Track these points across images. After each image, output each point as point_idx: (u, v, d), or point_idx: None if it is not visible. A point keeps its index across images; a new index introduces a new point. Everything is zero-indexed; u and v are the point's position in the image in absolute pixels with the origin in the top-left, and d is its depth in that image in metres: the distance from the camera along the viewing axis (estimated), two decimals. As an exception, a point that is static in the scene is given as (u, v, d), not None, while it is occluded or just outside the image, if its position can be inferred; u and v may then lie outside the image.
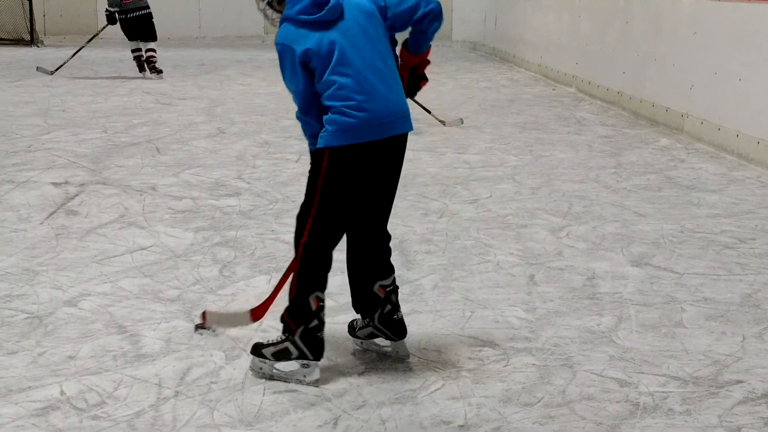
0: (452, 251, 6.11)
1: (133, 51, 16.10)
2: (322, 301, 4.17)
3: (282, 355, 4.14)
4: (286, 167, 8.67)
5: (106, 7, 15.90)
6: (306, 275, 4.16)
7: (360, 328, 4.49)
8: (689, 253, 6.11)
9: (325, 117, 4.07)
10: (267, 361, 4.16)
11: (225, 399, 3.97)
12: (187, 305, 5.08)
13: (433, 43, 4.46)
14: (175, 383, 4.11)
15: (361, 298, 4.42)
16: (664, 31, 11.38)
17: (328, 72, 3.98)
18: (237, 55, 19.77)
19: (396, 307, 4.36)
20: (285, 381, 4.11)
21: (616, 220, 6.91)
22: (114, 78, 15.76)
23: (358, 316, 4.51)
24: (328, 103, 4.03)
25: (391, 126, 4.17)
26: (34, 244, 6.15)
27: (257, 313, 4.20)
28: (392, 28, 4.22)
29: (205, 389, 4.06)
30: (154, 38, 15.93)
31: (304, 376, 4.11)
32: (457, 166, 8.80)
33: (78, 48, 16.52)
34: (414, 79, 4.52)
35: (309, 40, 3.97)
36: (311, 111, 4.16)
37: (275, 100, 13.07)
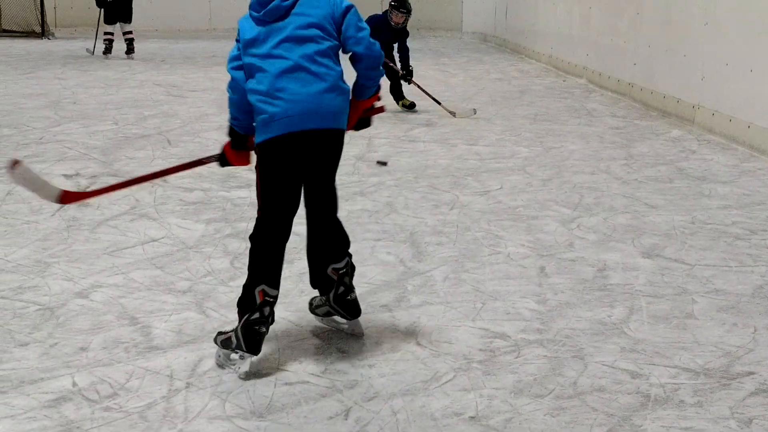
0: (463, 243, 6.11)
1: (106, 33, 16.97)
2: (269, 296, 4.22)
3: (225, 344, 4.23)
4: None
5: None
6: (252, 267, 4.26)
7: (317, 306, 4.69)
8: (700, 245, 6.10)
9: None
10: (216, 348, 4.29)
11: (236, 390, 3.97)
12: (199, 297, 5.09)
13: (381, 83, 4.54)
14: (187, 375, 4.12)
15: (316, 278, 4.57)
16: (675, 22, 11.35)
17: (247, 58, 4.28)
18: (247, 47, 19.78)
19: (349, 288, 4.51)
20: (221, 368, 4.19)
21: (627, 211, 6.90)
22: (125, 70, 15.76)
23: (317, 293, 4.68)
24: (254, 97, 4.23)
25: (302, 120, 4.19)
26: (45, 236, 6.16)
27: (67, 197, 4.47)
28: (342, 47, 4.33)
29: (216, 381, 4.06)
30: (131, 20, 17.46)
31: (237, 367, 4.16)
32: (468, 158, 8.80)
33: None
34: (363, 121, 4.70)
35: (253, 31, 4.31)
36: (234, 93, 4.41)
37: (286, 92, 13.06)
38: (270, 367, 4.21)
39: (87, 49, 17.51)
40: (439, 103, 11.43)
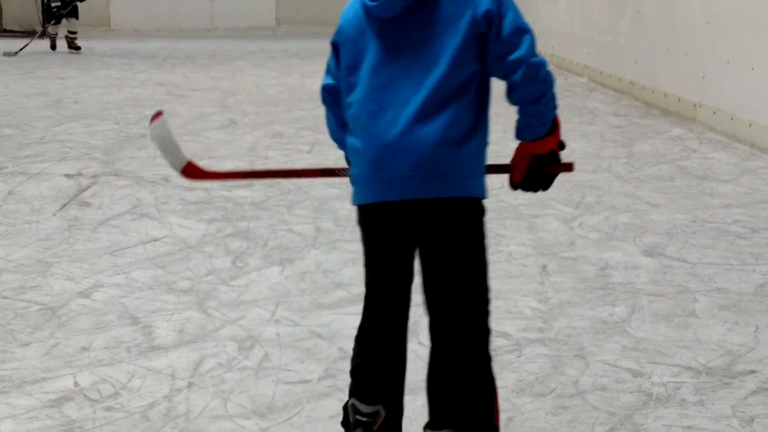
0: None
1: (53, 30, 17.69)
2: (361, 415, 3.16)
3: None
4: (298, 158, 8.67)
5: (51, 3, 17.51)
6: (351, 373, 3.32)
7: None
8: (702, 243, 6.10)
9: None
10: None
11: (238, 390, 3.97)
12: (200, 296, 5.09)
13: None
14: (189, 374, 4.12)
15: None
16: (676, 21, 11.34)
17: (345, 68, 3.03)
18: (249, 46, 19.76)
19: None
20: None
21: (629, 210, 6.90)
22: (126, 70, 15.76)
23: None
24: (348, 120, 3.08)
25: (383, 186, 2.95)
26: (47, 236, 6.16)
27: (192, 171, 3.41)
28: (491, 69, 2.97)
29: (218, 380, 4.06)
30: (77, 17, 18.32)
31: None
32: (470, 157, 8.80)
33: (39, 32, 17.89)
34: (532, 174, 3.30)
35: (350, 22, 3.02)
36: (327, 94, 3.21)
37: (287, 91, 13.07)
38: (271, 366, 4.21)
39: (5, 53, 17.94)
40: None
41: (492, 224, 6.45)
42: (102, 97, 12.60)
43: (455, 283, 3.12)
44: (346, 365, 4.20)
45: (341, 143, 3.19)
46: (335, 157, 8.62)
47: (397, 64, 2.87)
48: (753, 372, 4.18)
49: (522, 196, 7.11)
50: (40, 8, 21.87)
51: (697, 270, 5.58)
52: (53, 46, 18.38)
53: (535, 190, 3.28)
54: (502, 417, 3.73)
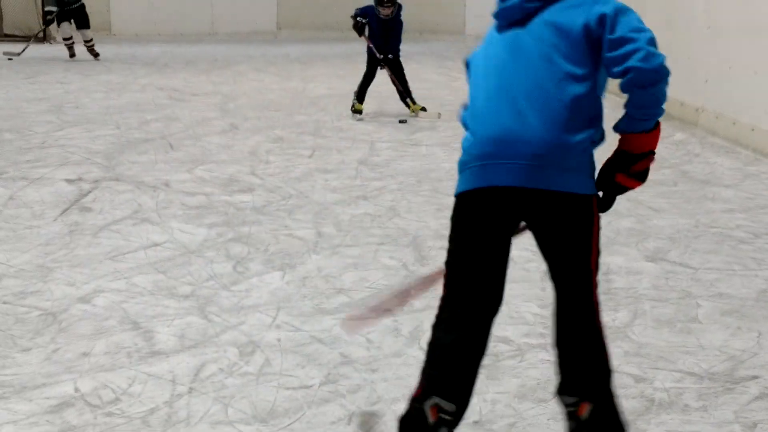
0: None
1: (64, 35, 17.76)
2: (445, 413, 3.09)
3: None
4: (299, 163, 8.66)
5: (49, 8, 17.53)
6: (424, 370, 3.25)
7: None
8: (704, 248, 6.08)
9: None
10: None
11: (239, 395, 3.96)
12: (201, 301, 5.08)
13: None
14: (189, 380, 4.11)
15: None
16: (677, 25, 11.34)
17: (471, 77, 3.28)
18: (250, 51, 19.77)
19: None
20: None
21: (631, 215, 6.88)
22: (127, 74, 15.77)
23: None
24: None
25: (490, 171, 3.10)
26: (47, 241, 6.15)
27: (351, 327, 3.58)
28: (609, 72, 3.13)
29: (219, 385, 4.05)
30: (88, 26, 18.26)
31: None
32: (471, 162, 8.78)
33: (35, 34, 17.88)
34: (608, 173, 3.31)
35: (483, 46, 3.29)
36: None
37: (288, 96, 13.07)
38: (272, 372, 4.20)
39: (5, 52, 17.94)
40: (404, 100, 11.37)
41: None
42: (103, 102, 12.60)
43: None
44: (348, 370, 4.20)
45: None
46: (336, 162, 8.63)
47: (517, 63, 3.08)
48: (756, 377, 4.17)
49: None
50: (41, 13, 21.88)
51: (700, 275, 5.57)
52: (72, 54, 18.33)
53: (618, 192, 3.39)
54: (503, 423, 3.73)
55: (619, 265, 5.72)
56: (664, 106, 3.09)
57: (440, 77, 15.27)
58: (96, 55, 18.21)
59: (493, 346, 4.47)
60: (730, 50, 9.78)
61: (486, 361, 4.27)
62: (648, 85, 3.01)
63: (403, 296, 4.03)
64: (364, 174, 8.20)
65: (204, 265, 5.70)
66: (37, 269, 5.59)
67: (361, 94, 11.35)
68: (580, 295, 3.21)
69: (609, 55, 3.01)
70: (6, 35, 22.90)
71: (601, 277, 3.31)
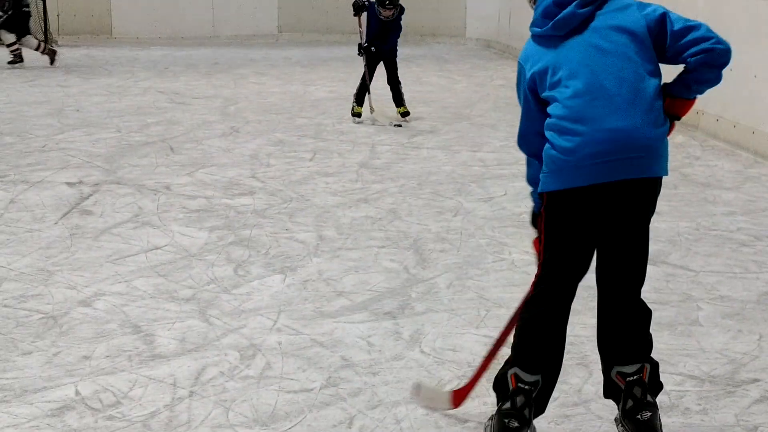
0: (467, 249, 6.09)
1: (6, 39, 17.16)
2: (523, 383, 3.51)
3: (486, 430, 3.68)
4: (300, 166, 8.66)
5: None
6: (513, 343, 3.62)
7: (616, 420, 3.64)
8: (705, 251, 6.08)
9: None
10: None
11: (240, 399, 3.96)
12: (202, 304, 5.08)
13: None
14: (190, 383, 4.11)
15: (606, 384, 3.66)
16: (678, 28, 11.33)
17: (545, 92, 3.45)
18: (251, 54, 19.74)
19: (640, 404, 3.47)
20: None
21: (632, 217, 6.88)
22: (128, 78, 15.76)
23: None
24: (546, 133, 3.44)
25: (610, 167, 3.35)
26: (48, 244, 6.15)
27: (458, 398, 3.80)
28: (672, 59, 3.49)
29: (220, 389, 4.05)
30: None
31: None
32: (472, 164, 8.78)
33: None
34: None
35: (543, 60, 3.46)
36: (525, 146, 3.64)
37: (289, 99, 13.06)
38: (273, 375, 4.20)
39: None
40: (368, 93, 11.29)
41: (494, 232, 6.45)
42: (104, 105, 12.59)
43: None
44: (348, 374, 4.20)
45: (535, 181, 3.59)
46: (337, 165, 8.64)
47: (602, 65, 3.38)
48: (756, 380, 4.17)
49: (524, 204, 7.07)
50: (42, 18, 21.89)
51: (701, 278, 5.57)
52: (16, 60, 17.80)
53: None
54: (505, 426, 3.73)
55: (619, 268, 5.71)
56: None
57: (441, 80, 15.24)
58: (49, 54, 17.85)
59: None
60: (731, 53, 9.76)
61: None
62: (718, 66, 3.46)
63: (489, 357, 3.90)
64: (364, 177, 8.20)
65: (205, 268, 5.70)
66: (38, 272, 5.59)
67: (360, 98, 11.29)
68: (641, 268, 3.61)
69: (680, 43, 3.43)
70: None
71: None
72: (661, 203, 7.15)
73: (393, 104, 11.23)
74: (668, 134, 3.52)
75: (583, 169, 3.35)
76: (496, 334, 4.65)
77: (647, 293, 5.19)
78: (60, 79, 15.29)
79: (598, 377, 4.15)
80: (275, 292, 5.30)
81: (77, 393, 4.00)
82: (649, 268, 5.61)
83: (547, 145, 3.42)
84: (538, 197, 3.60)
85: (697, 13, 10.72)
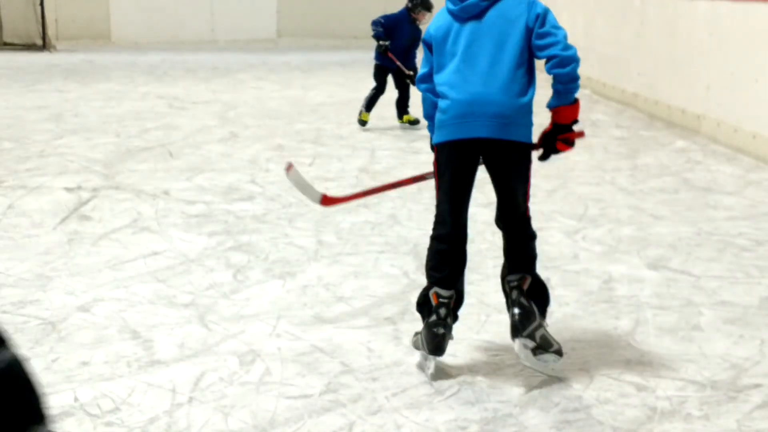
0: (467, 255, 6.06)
1: None
2: (443, 297, 4.26)
3: (416, 345, 4.40)
4: (299, 171, 8.63)
5: None
6: (427, 269, 4.38)
7: None
8: (706, 256, 6.07)
9: None
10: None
11: (239, 405, 3.94)
12: (201, 310, 5.06)
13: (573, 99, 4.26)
14: (189, 389, 4.09)
15: (504, 295, 4.44)
16: (679, 32, 11.33)
17: (435, 57, 4.30)
18: (250, 59, 19.76)
19: (513, 302, 4.25)
20: (421, 369, 4.32)
21: (633, 222, 6.87)
22: (126, 83, 15.76)
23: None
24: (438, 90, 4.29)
25: (469, 126, 4.15)
26: (47, 250, 6.13)
27: (327, 201, 4.82)
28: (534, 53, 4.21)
29: (219, 395, 4.03)
30: None
31: (426, 368, 4.29)
32: (472, 169, 8.77)
33: None
34: (549, 138, 4.37)
35: (444, 30, 4.27)
36: (420, 84, 4.46)
37: (288, 104, 13.06)
38: (272, 381, 4.18)
39: None
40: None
41: (494, 237, 6.43)
42: (102, 110, 12.59)
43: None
44: (348, 379, 4.19)
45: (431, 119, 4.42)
46: (336, 170, 8.63)
47: (477, 49, 4.17)
48: (758, 386, 4.15)
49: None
50: (40, 22, 21.89)
51: (702, 283, 5.55)
52: None
53: (554, 152, 4.42)
54: (506, 432, 3.72)
55: (620, 273, 5.70)
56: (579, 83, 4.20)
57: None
58: None
59: (495, 354, 4.47)
60: (732, 57, 9.77)
61: (487, 369, 4.28)
62: (566, 76, 4.13)
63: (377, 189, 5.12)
64: (364, 182, 8.19)
65: (204, 273, 5.68)
66: (37, 278, 5.57)
67: (369, 106, 11.21)
68: (513, 204, 4.46)
69: (537, 43, 4.14)
70: (6, 43, 22.89)
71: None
72: (662, 208, 7.19)
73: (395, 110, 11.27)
74: (570, 137, 4.33)
75: (448, 127, 4.21)
76: (497, 340, 4.65)
77: (649, 298, 5.23)
78: (58, 84, 15.30)
79: (599, 383, 4.15)
80: (274, 297, 5.28)
81: (76, 399, 3.99)
82: (651, 273, 5.68)
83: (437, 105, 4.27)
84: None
85: (697, 18, 10.73)
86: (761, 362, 4.41)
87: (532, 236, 4.44)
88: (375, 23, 11.03)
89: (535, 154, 4.39)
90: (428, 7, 11.06)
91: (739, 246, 6.30)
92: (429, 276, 4.34)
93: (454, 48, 4.22)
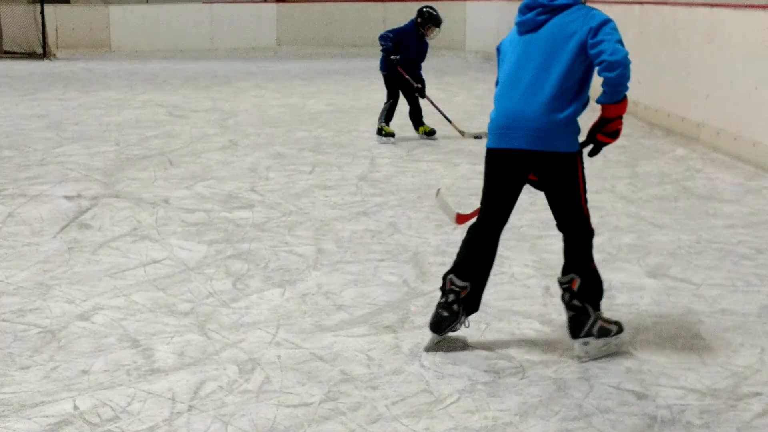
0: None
1: None
2: (455, 286, 4.62)
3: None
4: (299, 179, 8.65)
5: None
6: (458, 253, 4.75)
7: None
8: (706, 264, 6.06)
9: None
10: None
11: (239, 413, 3.94)
12: (200, 318, 5.06)
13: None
14: (189, 397, 4.08)
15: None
16: (679, 40, 11.34)
17: (499, 66, 4.76)
18: (250, 67, 19.79)
19: (566, 305, 4.63)
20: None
21: (632, 230, 6.87)
22: (126, 91, 15.78)
23: None
24: None
25: (508, 138, 4.50)
26: (47, 258, 6.13)
27: (461, 219, 5.08)
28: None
29: (218, 403, 4.03)
30: None
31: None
32: (472, 177, 8.76)
33: None
34: (593, 131, 4.60)
35: (509, 37, 4.73)
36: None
37: (288, 112, 13.07)
38: (272, 389, 4.18)
39: None
40: (450, 122, 11.34)
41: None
42: (102, 119, 12.60)
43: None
44: (348, 388, 4.18)
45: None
46: (336, 178, 8.63)
47: (525, 64, 4.52)
48: (758, 394, 4.15)
49: (524, 217, 7.05)
50: (40, 31, 21.92)
51: (702, 291, 5.54)
52: None
53: (598, 144, 4.67)
54: (506, 441, 3.71)
55: (620, 281, 5.70)
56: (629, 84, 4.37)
57: (440, 93, 15.25)
58: None
59: (494, 363, 4.46)
60: (731, 66, 9.77)
61: (487, 378, 4.28)
62: (611, 69, 4.30)
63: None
64: (364, 190, 8.19)
65: (203, 282, 5.68)
66: (36, 286, 5.57)
67: (388, 117, 11.16)
68: (564, 211, 4.64)
69: (590, 52, 4.36)
70: (6, 52, 22.92)
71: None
72: (662, 216, 7.19)
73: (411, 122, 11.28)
74: (613, 127, 4.56)
75: (492, 136, 4.60)
76: (497, 348, 4.65)
77: (649, 306, 5.23)
78: (58, 93, 15.32)
79: (599, 391, 4.14)
80: (274, 305, 5.27)
81: (75, 407, 3.98)
82: (651, 281, 5.67)
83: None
84: None
85: (696, 26, 10.74)
86: (761, 371, 4.41)
87: (588, 236, 4.65)
88: (383, 38, 11.03)
89: (587, 153, 4.61)
90: (437, 23, 11.08)
91: (739, 254, 6.30)
92: (455, 260, 4.72)
93: (509, 61, 4.61)
